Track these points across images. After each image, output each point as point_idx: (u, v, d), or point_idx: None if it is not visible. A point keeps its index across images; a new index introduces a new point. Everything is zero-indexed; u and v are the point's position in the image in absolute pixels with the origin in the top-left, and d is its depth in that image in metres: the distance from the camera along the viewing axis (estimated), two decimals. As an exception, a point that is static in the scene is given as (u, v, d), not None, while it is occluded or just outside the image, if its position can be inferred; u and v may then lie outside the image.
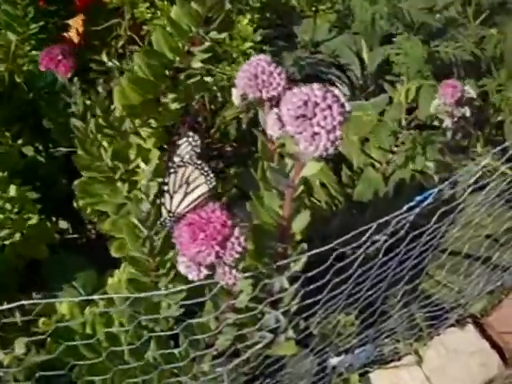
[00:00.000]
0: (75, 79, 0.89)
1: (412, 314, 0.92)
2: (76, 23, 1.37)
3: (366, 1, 1.07)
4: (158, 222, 0.69)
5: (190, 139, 0.71)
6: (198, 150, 0.72)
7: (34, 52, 1.20)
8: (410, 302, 0.88)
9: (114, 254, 0.99)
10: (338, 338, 0.78)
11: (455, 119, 0.91)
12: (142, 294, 0.59)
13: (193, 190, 0.68)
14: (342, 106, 0.45)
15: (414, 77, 1.18)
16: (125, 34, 1.32)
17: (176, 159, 0.70)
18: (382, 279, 0.68)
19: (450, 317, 1.01)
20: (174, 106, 0.94)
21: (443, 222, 0.76)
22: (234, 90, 0.66)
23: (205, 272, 0.56)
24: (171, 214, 0.69)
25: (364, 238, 0.57)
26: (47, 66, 0.90)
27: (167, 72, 0.90)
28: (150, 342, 0.71)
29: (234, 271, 0.56)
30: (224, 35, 0.85)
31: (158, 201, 0.70)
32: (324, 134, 0.44)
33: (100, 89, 0.90)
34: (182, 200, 0.69)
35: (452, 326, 1.08)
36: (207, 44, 0.85)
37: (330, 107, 0.44)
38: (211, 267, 0.57)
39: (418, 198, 0.61)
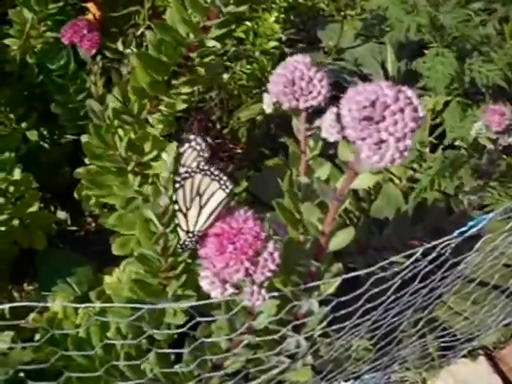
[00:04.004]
0: (98, 57, 0.82)
1: (427, 342, 0.87)
2: (94, 8, 1.32)
3: (403, 10, 1.02)
4: (178, 246, 0.60)
5: (193, 143, 0.60)
6: (206, 154, 0.61)
7: (48, 33, 1.14)
8: (426, 330, 0.83)
9: (116, 251, 0.93)
10: (353, 363, 0.72)
11: (499, 147, 0.85)
12: (146, 306, 0.53)
13: (208, 201, 0.59)
14: (415, 110, 0.39)
15: (443, 93, 1.13)
16: (143, 22, 1.27)
17: (181, 170, 0.60)
18: (410, 306, 0.63)
19: (464, 348, 0.96)
20: (186, 89, 0.87)
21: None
22: (265, 96, 0.58)
23: (230, 290, 0.49)
24: (190, 234, 0.58)
25: (410, 261, 0.51)
26: (71, 39, 0.82)
27: (180, 50, 0.83)
28: (149, 353, 0.65)
29: (263, 291, 0.49)
30: (243, 8, 0.78)
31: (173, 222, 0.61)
32: (392, 142, 0.38)
33: (124, 70, 0.83)
34: (199, 215, 0.59)
35: (463, 357, 1.03)
36: (223, 18, 0.78)
37: (401, 110, 0.38)
38: (238, 285, 0.50)
39: (471, 223, 0.56)
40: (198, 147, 0.60)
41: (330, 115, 0.42)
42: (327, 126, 0.43)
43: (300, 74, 0.54)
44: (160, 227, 0.66)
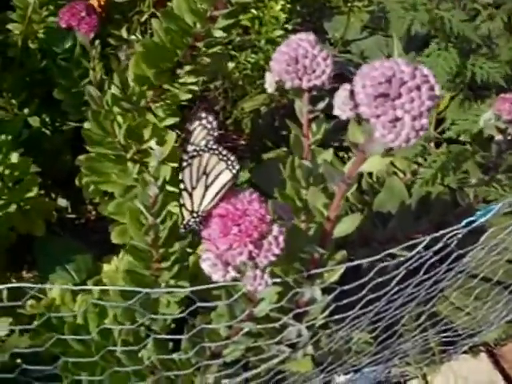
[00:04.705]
0: (97, 42, 0.81)
1: (428, 337, 0.86)
2: (98, -6, 1.31)
3: (402, 7, 1.00)
4: (181, 226, 0.59)
5: (204, 121, 0.60)
6: (216, 133, 0.60)
7: (51, 18, 1.13)
8: (428, 325, 0.82)
9: (115, 239, 0.92)
10: (353, 356, 0.71)
11: (508, 137, 0.83)
12: (145, 290, 0.52)
13: (214, 181, 0.58)
14: (432, 88, 0.38)
15: (448, 87, 1.11)
16: (148, 9, 1.26)
17: (190, 148, 0.59)
18: (413, 298, 0.62)
19: (465, 343, 0.95)
20: (191, 79, 0.86)
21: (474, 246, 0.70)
22: (267, 75, 0.56)
23: (232, 274, 0.48)
24: (194, 214, 0.57)
25: (416, 251, 0.49)
26: (68, 22, 0.80)
27: (186, 40, 0.82)
28: (147, 341, 0.64)
29: (265, 276, 0.48)
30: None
31: (179, 202, 0.60)
32: (408, 120, 0.36)
33: (122, 56, 0.81)
34: (204, 195, 0.58)
35: (464, 353, 1.02)
36: (231, 8, 0.77)
37: (418, 88, 0.37)
38: (240, 268, 0.49)
39: (479, 213, 0.55)
40: (209, 125, 0.59)
41: (342, 92, 0.41)
42: (340, 103, 0.41)
43: (304, 52, 0.51)
44: (150, 218, 0.65)
